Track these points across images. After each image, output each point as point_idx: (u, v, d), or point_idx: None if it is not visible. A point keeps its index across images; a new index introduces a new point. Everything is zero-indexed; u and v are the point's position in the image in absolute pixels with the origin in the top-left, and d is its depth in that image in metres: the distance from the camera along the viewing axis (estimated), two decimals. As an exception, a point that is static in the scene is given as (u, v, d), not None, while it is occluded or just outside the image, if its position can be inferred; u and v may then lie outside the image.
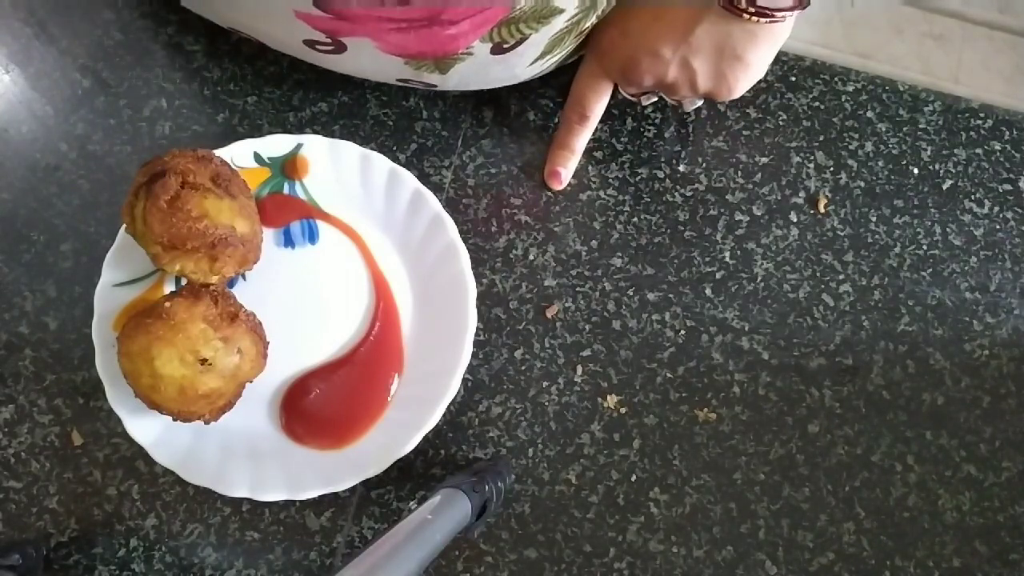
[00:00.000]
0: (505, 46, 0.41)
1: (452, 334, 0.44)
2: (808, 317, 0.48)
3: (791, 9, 0.39)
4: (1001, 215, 0.51)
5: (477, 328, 0.45)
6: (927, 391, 0.48)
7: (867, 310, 0.49)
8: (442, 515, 0.35)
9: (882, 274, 0.49)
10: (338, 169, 0.46)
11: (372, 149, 0.46)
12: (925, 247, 0.50)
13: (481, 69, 0.43)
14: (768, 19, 0.39)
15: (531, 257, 0.48)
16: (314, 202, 0.46)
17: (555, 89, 0.51)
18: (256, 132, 0.49)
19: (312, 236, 0.46)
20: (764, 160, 0.51)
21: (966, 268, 0.50)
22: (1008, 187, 0.51)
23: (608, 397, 0.46)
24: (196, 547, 0.44)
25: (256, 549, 0.44)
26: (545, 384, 0.46)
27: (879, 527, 0.45)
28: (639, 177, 0.50)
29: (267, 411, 0.44)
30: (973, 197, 0.51)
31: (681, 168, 0.50)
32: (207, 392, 0.39)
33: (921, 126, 0.52)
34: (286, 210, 0.46)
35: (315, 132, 0.48)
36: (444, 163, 0.49)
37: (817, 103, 0.52)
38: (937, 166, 0.51)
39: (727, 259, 0.49)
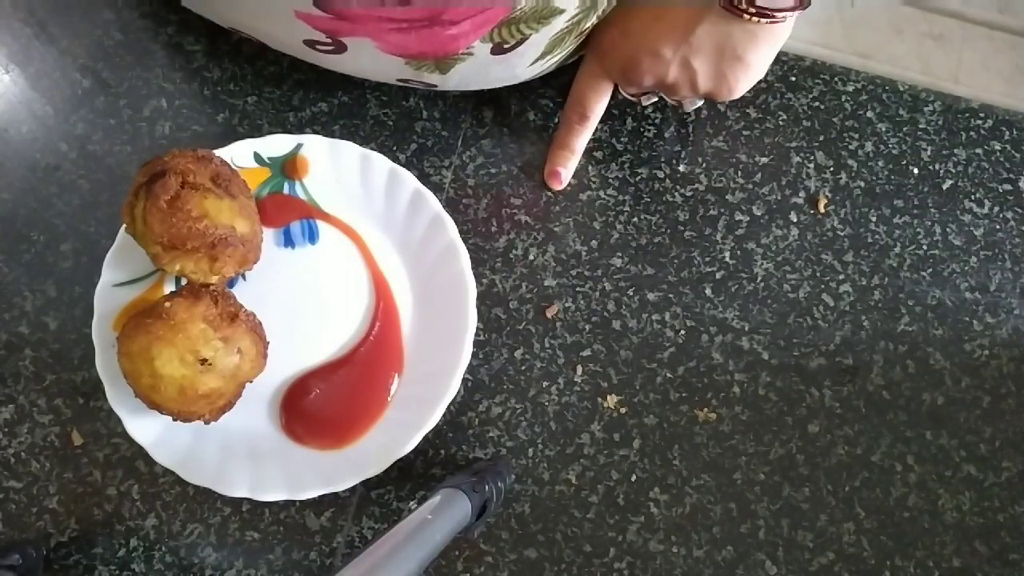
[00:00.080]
0: (506, 46, 0.41)
1: (452, 334, 0.44)
2: (808, 317, 0.48)
3: (791, 9, 0.39)
4: (1001, 215, 0.51)
5: (477, 328, 0.45)
6: (927, 391, 0.48)
7: (867, 310, 0.49)
8: (442, 515, 0.35)
9: (882, 274, 0.49)
10: (338, 169, 0.46)
11: (372, 149, 0.46)
12: (925, 247, 0.50)
13: (481, 69, 0.43)
14: (768, 19, 0.39)
15: (531, 257, 0.48)
16: (314, 202, 0.46)
17: (555, 89, 0.51)
18: (256, 132, 0.49)
19: (312, 236, 0.46)
20: (764, 160, 0.51)
21: (966, 268, 0.50)
22: (1008, 187, 0.51)
23: (608, 397, 0.46)
24: (196, 547, 0.44)
25: (256, 549, 0.44)
26: (545, 384, 0.46)
27: (879, 527, 0.45)
28: (639, 177, 0.50)
29: (267, 411, 0.44)
30: (973, 197, 0.51)
31: (681, 168, 0.50)
32: (207, 392, 0.39)
33: (921, 126, 0.52)
34: (286, 210, 0.46)
35: (315, 132, 0.48)
36: (444, 163, 0.49)
37: (817, 103, 0.52)
38: (937, 166, 0.51)
39: (727, 259, 0.49)
